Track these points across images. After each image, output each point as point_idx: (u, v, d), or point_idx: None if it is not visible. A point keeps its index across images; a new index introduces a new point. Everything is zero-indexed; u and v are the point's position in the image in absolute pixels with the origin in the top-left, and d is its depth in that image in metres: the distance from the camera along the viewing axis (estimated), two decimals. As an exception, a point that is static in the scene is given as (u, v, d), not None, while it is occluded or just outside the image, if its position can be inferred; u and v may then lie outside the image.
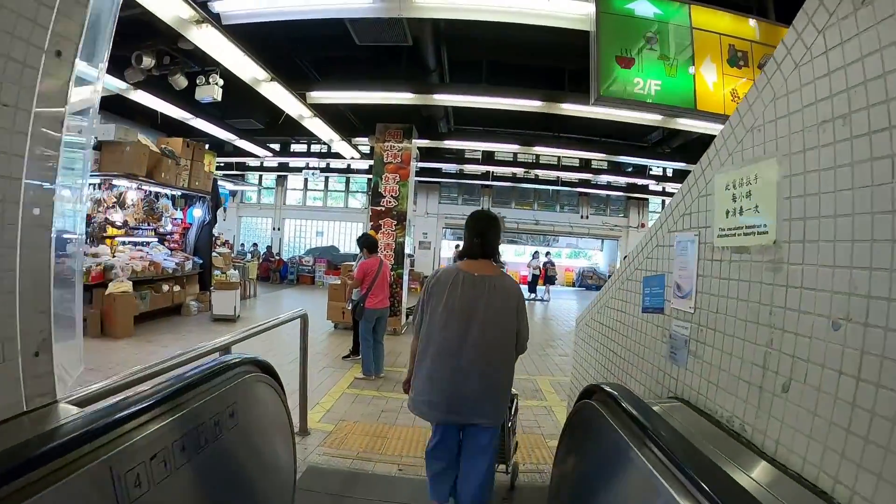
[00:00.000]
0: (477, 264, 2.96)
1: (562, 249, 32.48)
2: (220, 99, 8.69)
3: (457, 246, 20.13)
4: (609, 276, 22.63)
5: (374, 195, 11.65)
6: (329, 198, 25.82)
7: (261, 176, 25.15)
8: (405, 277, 11.77)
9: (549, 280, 20.65)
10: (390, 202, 11.47)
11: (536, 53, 9.39)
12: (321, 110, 10.90)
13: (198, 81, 8.56)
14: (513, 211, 24.70)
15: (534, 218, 24.76)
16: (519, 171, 19.73)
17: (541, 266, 20.30)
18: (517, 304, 2.91)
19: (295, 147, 19.59)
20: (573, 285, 29.19)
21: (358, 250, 8.20)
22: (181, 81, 8.67)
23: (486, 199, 24.38)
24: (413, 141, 11.79)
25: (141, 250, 11.05)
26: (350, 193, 25.79)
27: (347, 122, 13.45)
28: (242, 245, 24.02)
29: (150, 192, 11.87)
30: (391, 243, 11.38)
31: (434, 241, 23.76)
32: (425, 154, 16.83)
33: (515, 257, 31.06)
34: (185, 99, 10.44)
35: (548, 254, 20.87)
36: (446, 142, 13.57)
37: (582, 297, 23.78)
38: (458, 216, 23.70)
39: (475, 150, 18.41)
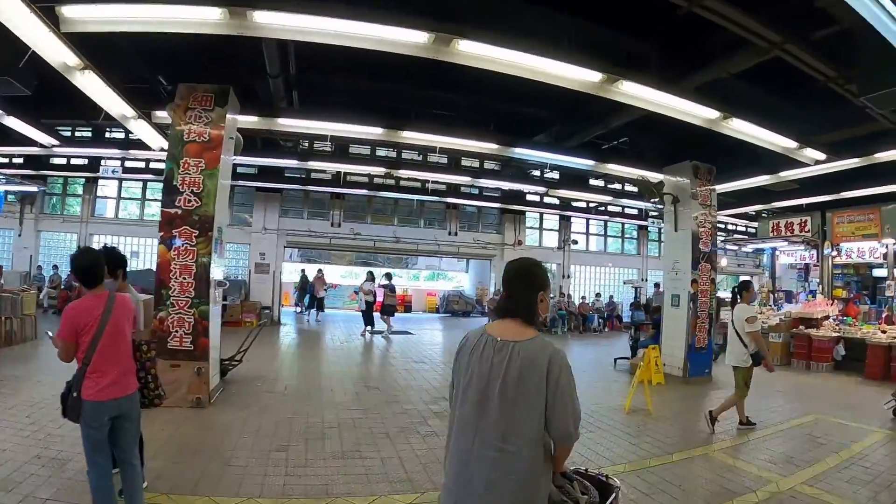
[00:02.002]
0: (502, 326, 2.52)
1: (420, 271, 30.19)
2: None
3: (386, 275, 16.82)
4: (477, 301, 19.92)
5: (168, 191, 7.98)
6: (148, 207, 21.02)
7: (66, 179, 20.02)
8: (214, 316, 8.20)
9: (387, 311, 16.91)
10: (190, 201, 7.90)
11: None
12: (98, 57, 7.30)
13: None
14: (368, 227, 21.63)
15: (394, 235, 21.74)
16: (379, 170, 16.30)
17: (375, 291, 16.76)
18: (548, 373, 2.34)
19: (87, 134, 15.34)
20: (436, 311, 26.59)
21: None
22: None
23: (336, 212, 21.04)
24: (234, 115, 8.54)
25: None
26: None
27: (146, 87, 9.79)
28: (39, 268, 19.12)
29: None
30: (189, 265, 7.81)
31: (274, 264, 19.94)
32: (262, 148, 13.42)
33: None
34: None
35: (388, 276, 17.16)
36: (284, 120, 10.17)
37: (448, 325, 21.27)
38: (304, 232, 20.37)
39: (324, 148, 15.21)
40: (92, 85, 7.94)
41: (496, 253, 23.21)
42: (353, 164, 16.18)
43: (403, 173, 15.57)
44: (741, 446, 6.80)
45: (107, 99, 8.64)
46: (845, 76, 8.33)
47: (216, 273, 8.21)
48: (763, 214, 20.28)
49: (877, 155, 10.64)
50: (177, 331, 7.61)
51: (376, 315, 16.72)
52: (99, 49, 7.48)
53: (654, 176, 11.90)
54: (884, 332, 12.56)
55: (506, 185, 17.62)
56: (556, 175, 17.49)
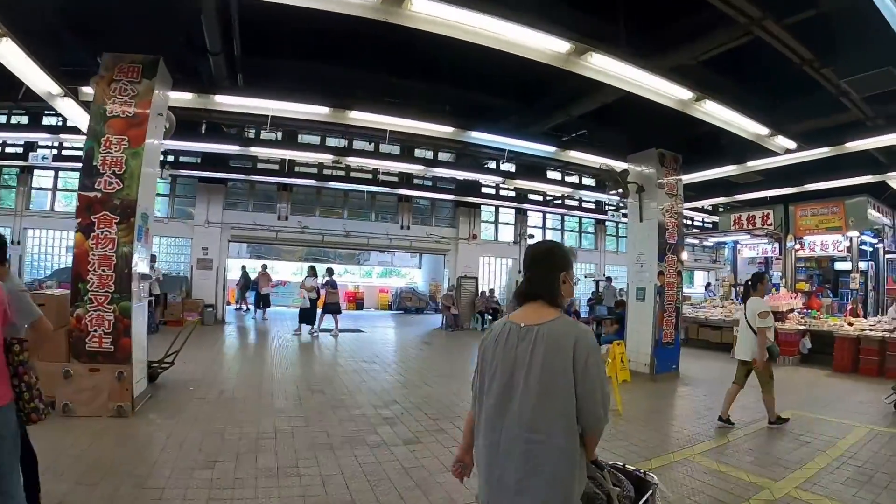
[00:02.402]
0: (525, 311, 2.42)
1: (373, 267, 29.43)
2: None
3: (328, 270, 15.57)
4: (431, 297, 19.24)
5: (87, 172, 7.02)
6: (84, 198, 19.48)
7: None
8: (139, 313, 7.26)
9: (330, 308, 15.45)
10: (111, 184, 6.96)
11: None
12: (18, 24, 6.41)
13: None
14: (317, 220, 20.57)
15: (344, 228, 20.74)
16: (327, 157, 14.92)
17: (318, 287, 15.57)
18: (574, 356, 2.21)
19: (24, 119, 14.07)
20: (389, 308, 25.93)
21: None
22: None
23: (284, 205, 19.97)
24: (164, 91, 7.68)
25: None
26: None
27: (71, 57, 8.76)
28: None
29: None
30: (108, 255, 6.87)
31: (218, 259, 18.77)
32: (205, 134, 12.42)
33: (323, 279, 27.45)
34: None
35: (329, 271, 16.04)
36: (223, 98, 9.20)
37: (401, 323, 20.54)
38: (249, 225, 19.26)
39: (270, 136, 14.26)
40: (11, 55, 6.97)
41: (450, 247, 22.44)
42: (300, 151, 15.13)
43: (353, 160, 14.62)
44: (724, 448, 6.28)
45: (29, 72, 7.67)
46: (821, 60, 8.05)
47: (140, 265, 7.28)
48: (721, 209, 20.19)
49: (847, 144, 10.48)
50: (95, 330, 6.73)
51: (326, 314, 15.65)
52: (19, 15, 6.60)
53: (617, 165, 11.37)
54: (850, 324, 12.54)
55: (461, 175, 16.88)
56: (512, 168, 16.94)
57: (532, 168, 15.95)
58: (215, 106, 9.30)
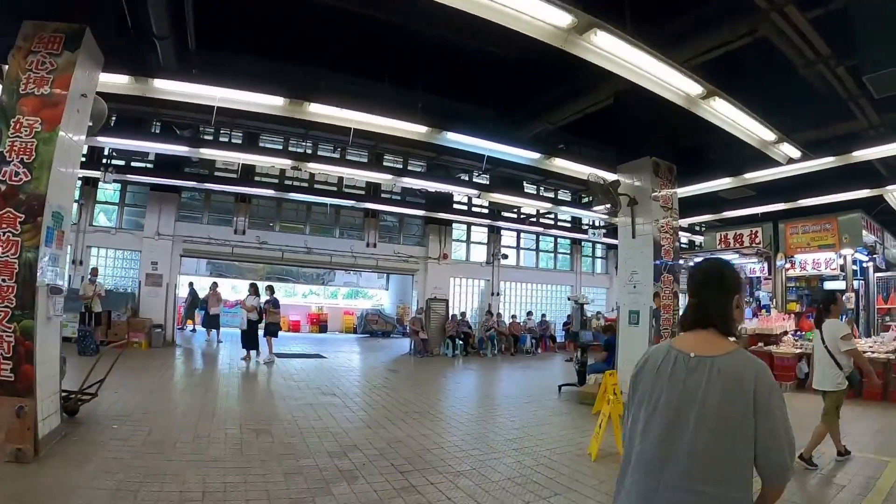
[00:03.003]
0: (694, 339, 2.15)
1: (339, 288, 28.14)
2: None
3: (268, 288, 14.28)
4: (398, 320, 17.93)
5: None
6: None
7: None
8: (46, 334, 5.88)
9: (270, 329, 14.07)
10: (17, 175, 5.63)
11: None
12: None
13: None
14: (277, 235, 19.07)
15: (305, 245, 19.26)
16: (286, 162, 13.15)
17: (260, 307, 14.04)
18: (755, 395, 1.93)
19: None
20: (354, 331, 24.62)
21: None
22: None
23: (241, 218, 18.49)
24: (91, 68, 6.44)
25: None
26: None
27: None
28: None
29: None
30: (10, 262, 5.52)
31: (168, 275, 17.22)
32: (156, 134, 11.09)
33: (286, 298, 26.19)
34: None
35: (269, 289, 14.75)
36: (163, 83, 7.75)
37: (366, 347, 19.26)
38: (203, 239, 17.72)
39: (225, 137, 12.93)
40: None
41: (419, 267, 21.04)
42: (257, 155, 13.35)
43: (316, 167, 13.13)
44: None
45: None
46: (837, 57, 7.56)
47: (49, 275, 5.95)
48: (699, 227, 19.43)
49: (854, 154, 9.78)
50: (-12, 355, 5.43)
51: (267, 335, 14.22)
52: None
53: (605, 177, 10.37)
54: None
55: (432, 186, 15.44)
56: (487, 181, 15.81)
57: (509, 181, 14.88)
58: (155, 93, 7.94)
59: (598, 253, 26.80)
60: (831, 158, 10.05)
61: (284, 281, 27.00)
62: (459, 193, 16.67)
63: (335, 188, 18.17)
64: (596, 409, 9.09)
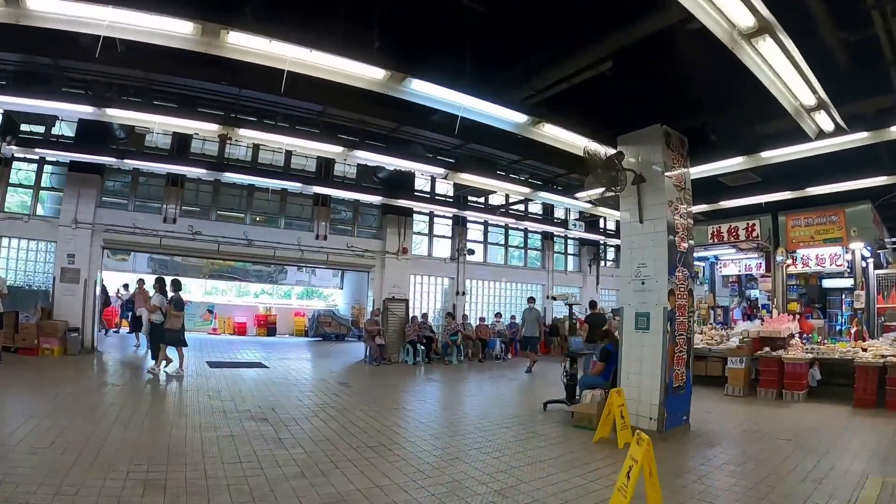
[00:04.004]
0: None
1: (292, 287, 26.71)
2: None
3: (174, 283, 11.86)
4: (353, 322, 15.32)
5: None
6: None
7: None
8: None
9: (171, 338, 11.50)
10: None
11: None
12: None
13: None
14: (214, 225, 16.56)
15: (245, 236, 16.76)
16: (211, 129, 10.26)
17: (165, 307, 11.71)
18: None
19: None
20: (305, 334, 22.57)
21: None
22: None
23: (172, 205, 16.01)
24: None
25: None
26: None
27: None
28: None
29: None
30: None
31: (87, 270, 14.68)
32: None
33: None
34: None
35: (175, 284, 11.84)
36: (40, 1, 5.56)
37: (317, 353, 17.13)
38: (127, 228, 15.21)
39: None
40: None
41: (375, 263, 18.71)
42: (178, 119, 10.21)
43: (249, 135, 10.50)
44: None
45: None
46: None
47: None
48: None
49: (893, 129, 8.39)
50: None
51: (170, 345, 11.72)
52: None
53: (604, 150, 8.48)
54: (864, 349, 10.72)
55: (391, 162, 12.58)
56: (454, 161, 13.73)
57: (480, 161, 12.81)
58: (31, 19, 5.69)
59: (571, 250, 25.11)
60: (865, 134, 8.57)
61: (232, 279, 24.68)
62: (422, 174, 14.07)
63: (281, 169, 16.00)
64: (598, 437, 7.23)
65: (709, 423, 8.57)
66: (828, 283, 15.57)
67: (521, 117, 7.90)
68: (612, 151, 8.13)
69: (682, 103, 8.19)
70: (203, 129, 10.45)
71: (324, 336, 21.39)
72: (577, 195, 12.56)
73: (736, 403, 10.51)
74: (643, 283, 7.93)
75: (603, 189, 8.19)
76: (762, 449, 7.12)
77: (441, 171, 11.81)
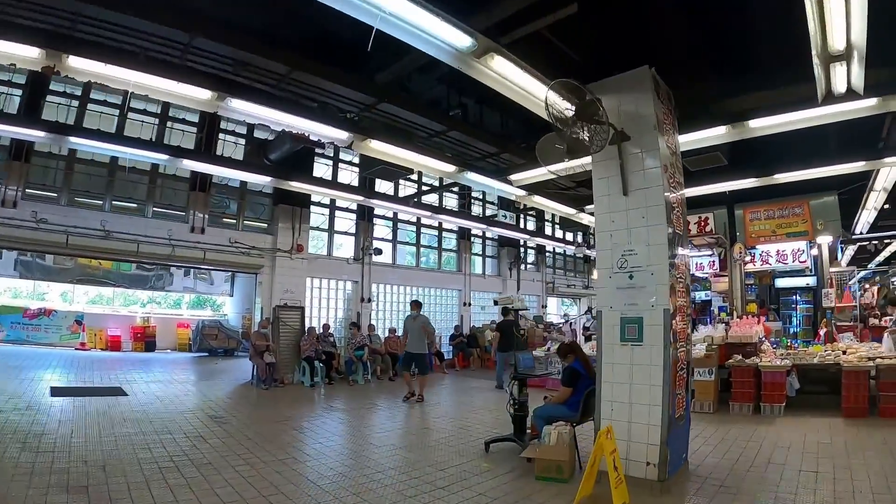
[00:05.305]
0: None
1: (182, 295, 23.47)
2: None
3: None
4: (242, 333, 11.87)
5: None
6: None
7: None
8: None
9: None
10: None
11: None
12: None
13: None
14: (64, 211, 12.92)
15: (102, 226, 13.15)
16: (30, 54, 6.61)
17: None
18: None
19: None
20: (189, 349, 19.42)
21: None
22: None
23: (13, 185, 11.85)
24: None
25: None
26: None
27: None
28: None
29: None
30: None
31: None
32: None
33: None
34: None
35: None
36: None
37: (198, 372, 14.22)
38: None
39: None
40: None
41: (264, 263, 15.56)
42: None
43: (84, 66, 7.23)
44: None
45: None
46: None
47: None
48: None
49: None
50: None
51: None
52: None
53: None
54: (844, 352, 9.90)
55: (279, 119, 8.97)
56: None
57: (395, 130, 10.01)
58: None
59: (490, 251, 23.22)
60: (874, 101, 7.09)
61: (99, 283, 20.76)
62: (322, 139, 10.34)
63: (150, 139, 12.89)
64: (581, 497, 4.95)
65: (703, 456, 6.63)
66: (781, 283, 14.49)
67: (464, 40, 5.41)
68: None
69: (668, 51, 6.28)
70: (19, 55, 7.12)
71: (210, 351, 18.38)
72: (546, 166, 10.12)
73: (713, 423, 8.66)
74: (631, 278, 5.76)
75: (568, 156, 6.01)
76: (797, 490, 5.34)
77: (345, 135, 8.86)
